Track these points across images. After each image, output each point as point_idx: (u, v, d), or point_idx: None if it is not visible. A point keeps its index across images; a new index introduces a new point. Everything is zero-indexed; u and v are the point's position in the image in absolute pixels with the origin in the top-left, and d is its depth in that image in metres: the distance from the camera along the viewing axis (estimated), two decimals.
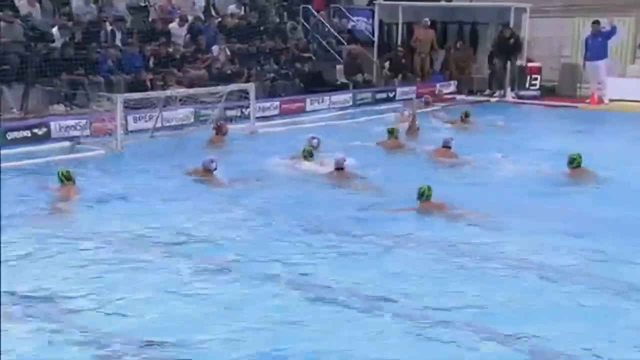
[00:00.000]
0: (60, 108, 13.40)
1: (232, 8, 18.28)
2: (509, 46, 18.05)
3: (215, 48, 16.17)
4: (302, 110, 15.67)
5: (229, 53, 16.27)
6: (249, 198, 8.54)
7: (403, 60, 18.92)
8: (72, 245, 6.78)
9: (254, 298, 5.60)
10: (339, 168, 8.97)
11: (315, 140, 10.94)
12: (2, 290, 5.41)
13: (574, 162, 8.92)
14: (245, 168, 10.02)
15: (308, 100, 16.00)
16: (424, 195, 7.51)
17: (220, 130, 11.98)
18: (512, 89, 18.38)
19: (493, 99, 18.29)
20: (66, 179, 8.24)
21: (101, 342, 4.86)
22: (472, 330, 5.02)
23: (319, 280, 5.99)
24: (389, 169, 9.91)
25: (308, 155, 9.95)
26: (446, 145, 10.59)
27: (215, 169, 9.32)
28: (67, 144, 11.61)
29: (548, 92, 18.42)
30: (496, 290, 5.75)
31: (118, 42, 15.08)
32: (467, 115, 14.14)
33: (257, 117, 13.70)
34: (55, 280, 5.86)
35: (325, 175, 9.20)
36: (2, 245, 6.23)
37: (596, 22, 17.16)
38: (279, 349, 4.78)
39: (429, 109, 15.91)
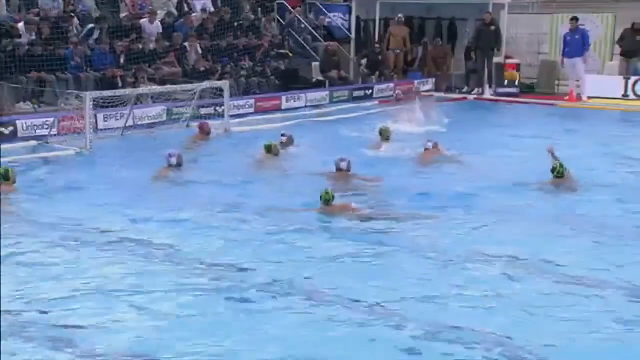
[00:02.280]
0: (27, 106, 13.19)
1: (205, 4, 18.14)
2: (490, 34, 18.01)
3: (187, 45, 16.03)
4: (278, 108, 15.59)
5: (200, 51, 16.13)
6: (212, 196, 8.53)
7: (380, 57, 18.91)
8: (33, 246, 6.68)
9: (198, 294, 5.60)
10: (338, 169, 8.94)
11: (284, 137, 10.90)
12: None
13: (555, 172, 8.81)
14: (218, 166, 9.95)
15: (284, 97, 15.94)
16: (322, 199, 7.61)
17: (203, 130, 11.79)
18: (491, 86, 18.45)
19: (471, 97, 18.34)
20: (4, 178, 8.00)
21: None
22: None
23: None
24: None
25: (268, 150, 9.96)
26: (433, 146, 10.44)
27: (179, 164, 9.25)
28: (34, 143, 11.43)
29: (527, 89, 18.51)
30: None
31: (87, 38, 14.89)
32: None
33: (231, 115, 13.61)
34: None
35: (325, 175, 9.14)
36: None
37: (574, 19, 17.29)
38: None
39: (399, 106, 15.84)
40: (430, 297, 5.61)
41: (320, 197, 7.65)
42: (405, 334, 5.00)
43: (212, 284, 5.89)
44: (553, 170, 8.78)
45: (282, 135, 11.09)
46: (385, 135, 11.36)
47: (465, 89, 18.95)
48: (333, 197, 7.67)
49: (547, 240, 7.00)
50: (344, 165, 8.90)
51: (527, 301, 5.56)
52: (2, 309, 5.12)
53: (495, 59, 18.30)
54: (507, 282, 5.97)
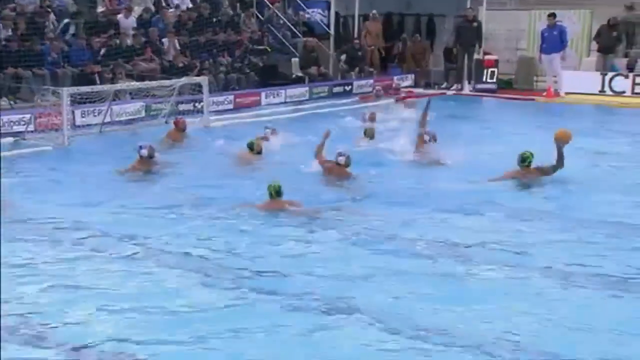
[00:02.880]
0: (3, 102, 13.05)
1: (183, 0, 18.07)
2: (471, 30, 18.13)
3: (165, 40, 15.97)
4: (257, 104, 15.60)
5: (178, 47, 16.07)
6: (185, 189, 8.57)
7: (360, 53, 18.96)
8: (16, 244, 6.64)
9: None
10: (338, 163, 8.96)
11: (267, 130, 10.95)
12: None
13: (526, 161, 8.90)
14: (194, 161, 9.97)
15: (263, 94, 15.94)
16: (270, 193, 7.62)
17: (178, 125, 11.76)
18: (469, 82, 18.58)
19: (450, 92, 18.45)
20: None
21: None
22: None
23: None
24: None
25: (250, 147, 9.97)
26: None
27: (150, 156, 9.26)
28: (10, 139, 11.32)
29: (505, 85, 18.66)
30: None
31: (63, 34, 14.77)
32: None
33: (211, 111, 13.58)
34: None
35: (323, 168, 9.13)
36: None
37: (552, 15, 17.45)
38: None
39: (379, 102, 15.94)
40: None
41: (270, 192, 7.53)
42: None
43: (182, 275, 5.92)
44: (524, 160, 8.84)
45: (266, 128, 11.12)
46: (369, 134, 11.39)
47: (444, 84, 19.07)
48: (279, 191, 7.57)
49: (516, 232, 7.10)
50: (341, 159, 8.92)
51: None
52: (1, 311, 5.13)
53: (475, 55, 18.44)
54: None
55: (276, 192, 7.55)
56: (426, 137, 10.22)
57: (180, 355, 4.72)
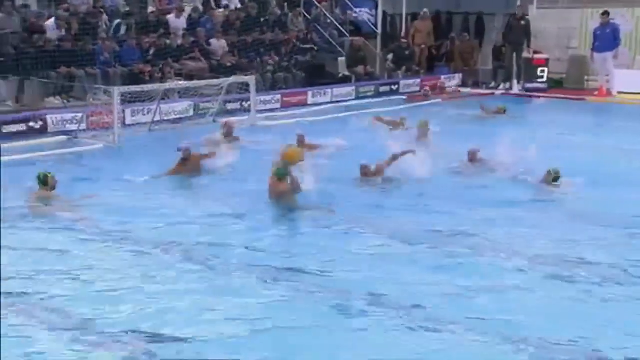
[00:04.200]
0: (56, 101, 13.42)
1: (232, 0, 18.27)
2: (520, 29, 17.94)
3: (213, 41, 16.17)
4: (304, 103, 15.69)
5: (226, 47, 16.25)
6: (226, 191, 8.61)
7: (407, 53, 18.89)
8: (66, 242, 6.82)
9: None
10: (364, 173, 8.91)
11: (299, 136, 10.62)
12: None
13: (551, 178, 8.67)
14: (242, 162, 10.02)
15: (310, 92, 16.01)
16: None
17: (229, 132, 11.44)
18: (519, 82, 18.35)
19: (498, 92, 18.24)
20: (43, 183, 7.83)
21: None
22: None
23: None
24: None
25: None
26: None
27: (188, 150, 9.22)
28: (64, 137, 11.63)
29: (555, 84, 18.37)
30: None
31: (115, 34, 15.08)
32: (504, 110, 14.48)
33: (258, 110, 13.71)
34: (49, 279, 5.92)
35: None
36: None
37: (605, 13, 17.12)
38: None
39: (427, 102, 15.88)
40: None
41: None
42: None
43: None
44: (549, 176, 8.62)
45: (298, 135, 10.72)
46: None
47: (493, 84, 18.87)
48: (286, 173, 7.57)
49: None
50: (365, 169, 8.85)
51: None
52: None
53: (524, 53, 18.20)
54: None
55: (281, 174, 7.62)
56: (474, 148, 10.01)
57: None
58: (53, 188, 7.92)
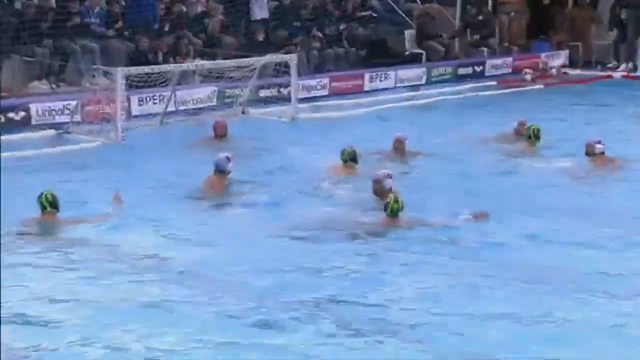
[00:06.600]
0: (42, 85, 13.52)
1: None
2: None
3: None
4: (359, 90, 15.66)
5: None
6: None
7: (493, 24, 18.82)
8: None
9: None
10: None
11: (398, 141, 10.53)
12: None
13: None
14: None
15: (367, 76, 15.97)
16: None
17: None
18: None
19: (617, 74, 17.98)
20: (50, 205, 7.73)
21: None
22: None
23: None
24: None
25: (349, 159, 9.70)
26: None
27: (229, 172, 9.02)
28: (51, 132, 11.68)
29: None
30: None
31: None
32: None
33: (299, 99, 13.64)
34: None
35: None
36: None
37: None
38: None
39: (530, 87, 15.86)
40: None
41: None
42: None
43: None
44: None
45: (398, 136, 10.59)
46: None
47: (612, 63, 18.55)
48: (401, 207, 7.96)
49: None
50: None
51: None
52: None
53: None
54: None
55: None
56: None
57: None
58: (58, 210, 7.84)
